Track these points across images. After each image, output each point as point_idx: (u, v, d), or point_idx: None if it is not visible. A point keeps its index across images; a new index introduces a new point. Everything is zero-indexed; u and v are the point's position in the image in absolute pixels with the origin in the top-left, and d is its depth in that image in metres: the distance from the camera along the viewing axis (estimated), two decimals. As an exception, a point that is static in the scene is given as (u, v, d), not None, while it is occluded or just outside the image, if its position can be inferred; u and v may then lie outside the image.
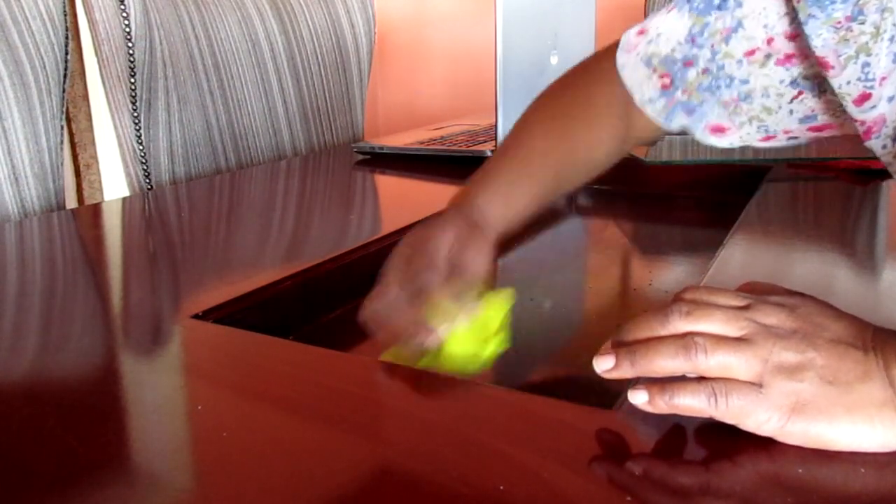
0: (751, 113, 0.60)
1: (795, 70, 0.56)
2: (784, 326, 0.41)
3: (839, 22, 0.49)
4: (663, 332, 0.43)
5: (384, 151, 1.26)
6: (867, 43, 0.49)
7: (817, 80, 0.55)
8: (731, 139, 0.64)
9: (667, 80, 0.62)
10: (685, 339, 0.41)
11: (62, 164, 1.08)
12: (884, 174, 1.01)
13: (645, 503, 0.36)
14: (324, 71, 1.54)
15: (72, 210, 0.97)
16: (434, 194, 1.10)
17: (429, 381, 0.49)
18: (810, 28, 0.50)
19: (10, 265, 0.74)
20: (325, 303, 0.72)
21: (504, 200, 0.65)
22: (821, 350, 0.40)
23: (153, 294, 0.67)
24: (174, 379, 0.51)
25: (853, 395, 0.38)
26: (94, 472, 0.38)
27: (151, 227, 0.93)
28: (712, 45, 0.59)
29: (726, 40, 0.58)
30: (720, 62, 0.59)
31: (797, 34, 0.54)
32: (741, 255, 0.71)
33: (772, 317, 0.42)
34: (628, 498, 0.36)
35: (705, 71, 0.60)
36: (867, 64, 0.49)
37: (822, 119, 0.58)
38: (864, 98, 0.50)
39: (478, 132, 1.37)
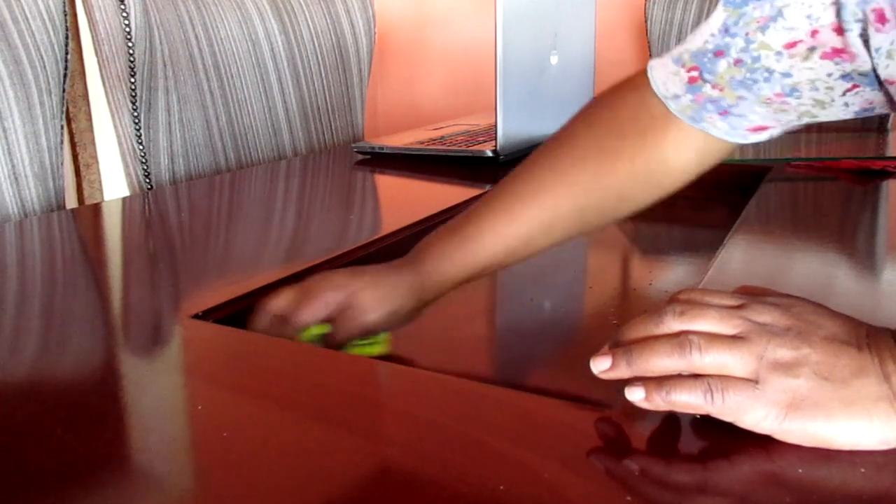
0: (800, 109, 0.56)
1: (848, 66, 0.52)
2: (778, 324, 0.41)
3: None
4: (658, 332, 0.43)
5: (384, 151, 1.26)
6: None
7: (876, 73, 0.51)
8: (772, 132, 0.60)
9: (695, 73, 0.58)
10: (680, 338, 0.41)
11: (62, 164, 1.08)
12: (884, 174, 1.01)
13: (645, 502, 0.36)
14: (324, 71, 1.54)
15: (72, 210, 0.97)
16: (434, 194, 1.10)
17: (429, 381, 0.49)
18: None
19: (10, 265, 0.74)
20: (325, 303, 0.72)
21: (456, 260, 0.64)
22: (815, 347, 0.40)
23: (153, 294, 0.67)
24: (174, 379, 0.51)
25: (849, 390, 0.38)
26: (94, 472, 0.39)
27: (151, 227, 0.93)
28: (746, 34, 0.55)
29: (762, 29, 0.54)
30: (755, 53, 0.55)
31: (843, 29, 0.51)
32: (741, 255, 0.71)
33: (766, 315, 0.42)
34: (628, 497, 0.36)
35: (738, 62, 0.56)
36: None
37: (880, 110, 0.56)
38: None
39: (478, 132, 1.37)
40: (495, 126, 1.13)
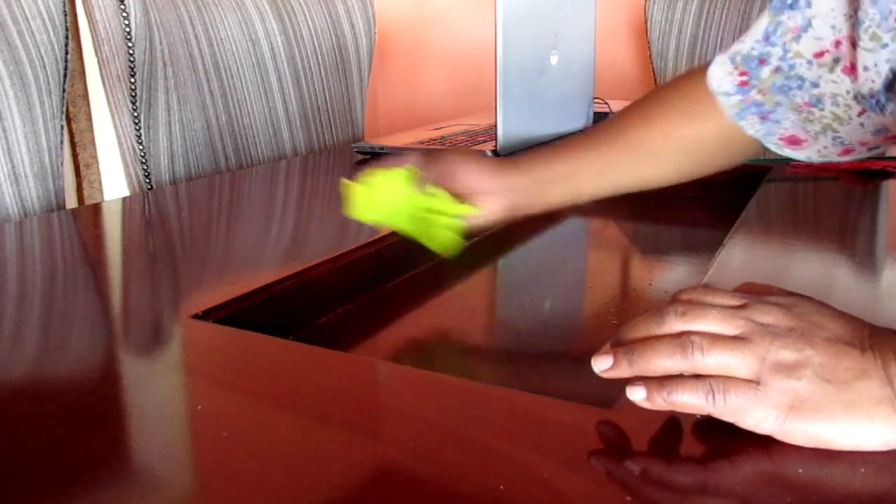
0: (823, 121, 0.60)
1: (857, 86, 0.55)
2: (781, 325, 0.41)
3: None
4: (660, 331, 0.43)
5: (384, 151, 1.26)
6: None
7: (874, 97, 0.54)
8: (809, 152, 0.64)
9: (745, 78, 0.63)
10: (682, 338, 0.41)
11: (62, 164, 1.08)
12: (884, 174, 1.01)
13: (645, 503, 0.36)
14: (324, 71, 1.54)
15: (72, 210, 0.97)
16: (434, 194, 1.09)
17: (429, 381, 0.49)
18: None
19: (10, 265, 0.74)
20: (325, 303, 0.72)
21: (543, 181, 0.70)
22: (818, 348, 0.40)
23: (153, 294, 0.67)
24: (174, 379, 0.51)
25: (851, 392, 0.38)
26: (94, 472, 0.38)
27: (151, 227, 0.93)
28: (784, 43, 0.59)
29: (797, 39, 0.58)
30: (791, 61, 0.59)
31: (856, 42, 0.53)
32: (741, 255, 0.71)
33: (768, 315, 0.42)
34: (628, 497, 0.36)
35: (777, 69, 0.60)
36: None
37: (890, 127, 0.58)
38: None
39: (478, 132, 1.37)
40: (495, 126, 1.13)
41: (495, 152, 1.15)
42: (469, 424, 0.42)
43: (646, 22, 1.91)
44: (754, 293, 0.45)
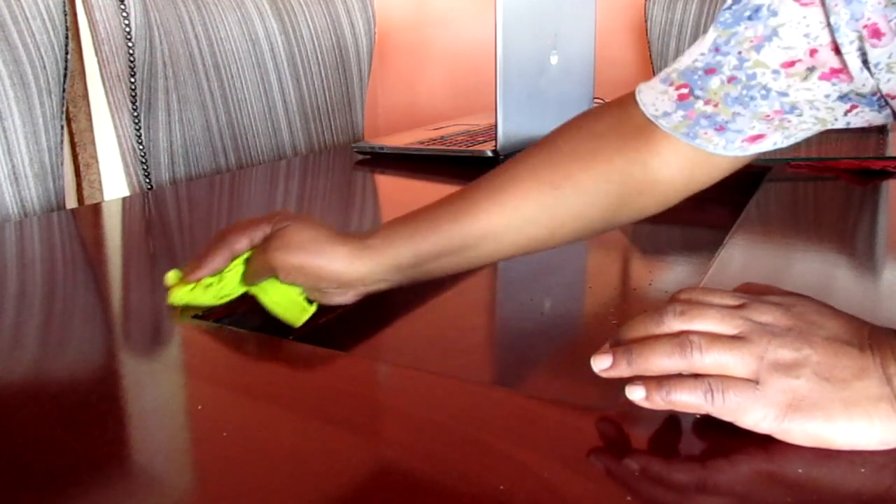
0: (802, 126, 0.55)
1: (845, 87, 0.51)
2: (779, 324, 0.41)
3: None
4: (658, 331, 0.43)
5: (384, 151, 1.26)
6: None
7: (875, 95, 0.51)
8: (775, 140, 0.58)
9: (685, 91, 0.57)
10: (680, 338, 0.41)
11: (62, 164, 1.08)
12: (884, 174, 1.01)
13: (645, 502, 0.36)
14: (324, 71, 1.54)
15: (72, 210, 0.98)
16: (434, 194, 1.09)
17: (429, 381, 0.49)
18: None
19: (10, 265, 0.74)
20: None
21: (395, 249, 0.59)
22: (817, 347, 0.40)
23: (153, 294, 0.67)
24: (174, 379, 0.51)
25: (850, 391, 0.38)
26: (94, 472, 0.39)
27: (151, 227, 0.93)
28: (739, 53, 0.54)
29: (757, 48, 0.53)
30: (750, 71, 0.54)
31: (840, 50, 0.50)
32: (741, 255, 0.71)
33: (767, 315, 0.42)
34: (628, 497, 0.36)
35: (732, 79, 0.54)
36: None
37: (879, 123, 0.56)
38: None
39: (478, 132, 1.37)
40: (495, 126, 1.13)
41: (495, 152, 1.15)
42: (469, 424, 0.42)
43: (646, 22, 1.91)
44: (753, 293, 0.46)
